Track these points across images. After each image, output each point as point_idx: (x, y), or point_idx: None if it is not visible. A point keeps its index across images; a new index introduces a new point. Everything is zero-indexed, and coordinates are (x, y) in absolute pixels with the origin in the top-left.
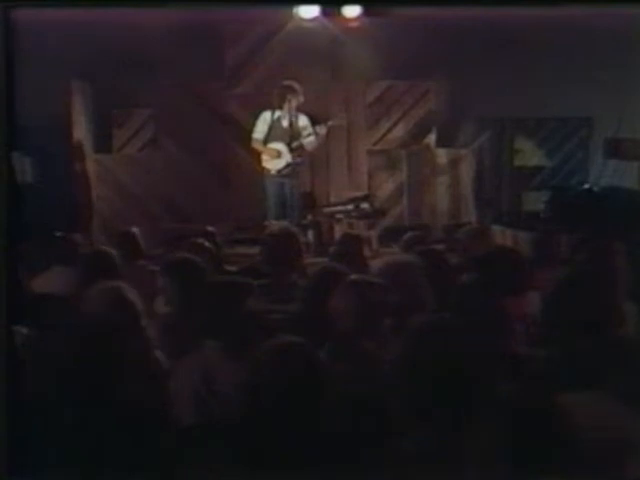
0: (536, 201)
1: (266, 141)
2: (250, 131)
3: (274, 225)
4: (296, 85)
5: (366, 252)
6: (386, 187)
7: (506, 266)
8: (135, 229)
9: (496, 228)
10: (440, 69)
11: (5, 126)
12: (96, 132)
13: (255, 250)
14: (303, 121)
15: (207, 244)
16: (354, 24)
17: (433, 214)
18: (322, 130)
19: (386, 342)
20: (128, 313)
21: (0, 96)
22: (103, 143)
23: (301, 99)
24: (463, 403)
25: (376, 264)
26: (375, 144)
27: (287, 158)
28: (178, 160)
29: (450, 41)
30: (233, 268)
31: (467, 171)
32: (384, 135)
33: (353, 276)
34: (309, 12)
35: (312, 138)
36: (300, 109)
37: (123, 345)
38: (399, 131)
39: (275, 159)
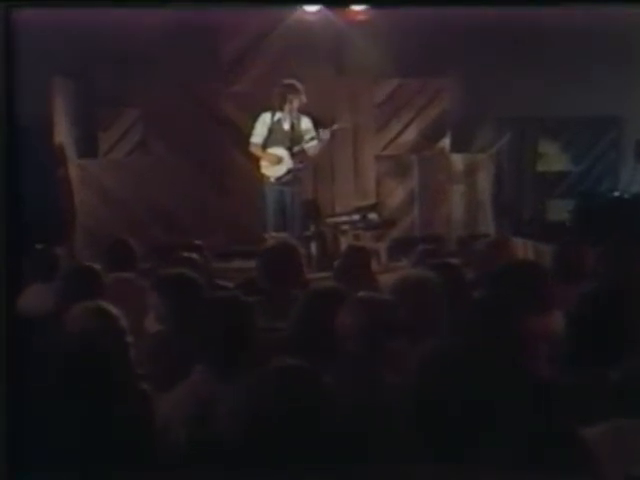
0: (561, 210)
1: (265, 145)
2: (248, 134)
3: (273, 237)
4: (298, 84)
5: (374, 266)
6: (396, 195)
7: (528, 282)
8: (129, 238)
9: (517, 240)
10: (455, 65)
11: (5, 126)
12: (79, 134)
13: (252, 264)
14: (306, 123)
15: (200, 257)
16: (361, 17)
17: (447, 225)
18: (326, 134)
19: (397, 366)
20: (113, 335)
21: (0, 96)
22: (87, 146)
23: (303, 99)
24: (480, 431)
25: (386, 280)
26: (384, 148)
27: (288, 164)
28: (169, 166)
29: (466, 35)
30: (228, 284)
31: (485, 177)
32: (394, 139)
33: (360, 293)
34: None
35: (315, 142)
36: (302, 110)
37: (107, 371)
38: (410, 134)
39: (275, 165)
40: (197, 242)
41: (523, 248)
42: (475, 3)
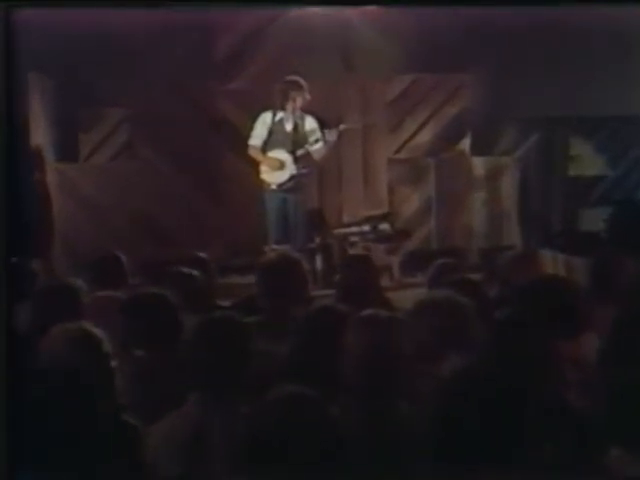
0: (596, 219)
1: (266, 148)
2: (246, 136)
3: (274, 250)
4: (301, 80)
5: (385, 282)
6: (410, 203)
7: (558, 301)
8: (119, 254)
9: (546, 253)
10: (477, 59)
11: (5, 126)
12: (58, 136)
13: (250, 280)
14: (310, 124)
15: (194, 273)
16: (370, 6)
17: (468, 236)
18: (333, 135)
19: (411, 394)
20: (96, 360)
21: (0, 96)
22: (67, 150)
23: (307, 97)
24: (503, 462)
25: (399, 298)
26: (397, 151)
27: (291, 169)
28: (158, 171)
29: (489, 25)
30: (224, 302)
31: (510, 183)
32: (408, 140)
33: (366, 311)
34: None
35: (321, 144)
36: (306, 109)
37: (90, 401)
38: (426, 135)
39: (276, 170)
40: (190, 256)
41: (553, 262)
42: (475, 3)
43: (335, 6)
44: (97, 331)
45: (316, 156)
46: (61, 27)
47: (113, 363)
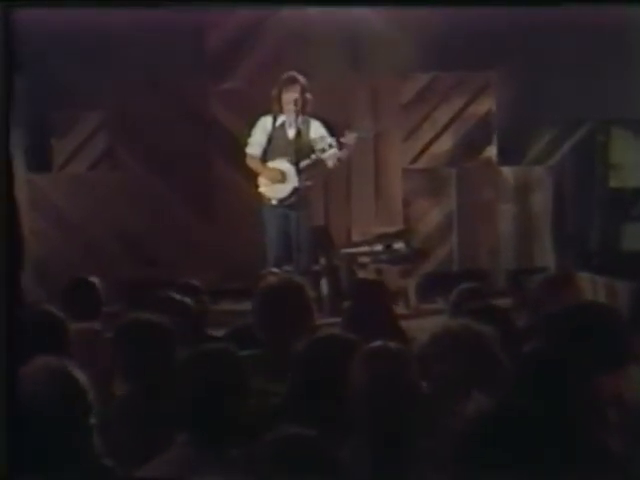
0: None
1: (265, 158)
2: (243, 144)
3: (274, 273)
4: (299, 76)
5: (400, 309)
6: (429, 219)
7: (597, 330)
8: (94, 278)
9: (584, 275)
10: (505, 54)
11: (5, 127)
12: (29, 143)
13: (247, 307)
14: (316, 130)
15: (183, 299)
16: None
17: (494, 256)
18: (351, 139)
19: (427, 438)
20: (72, 400)
21: (1, 96)
22: (39, 158)
23: (308, 97)
24: None
25: (416, 327)
26: (413, 160)
27: (293, 181)
28: (142, 183)
29: (520, 17)
30: (216, 332)
31: (543, 196)
32: (425, 148)
33: (376, 343)
34: None
35: (328, 154)
36: (312, 113)
37: (66, 445)
38: (447, 142)
39: (277, 183)
40: (177, 280)
41: (592, 286)
42: (475, 3)
43: (335, 6)
44: (72, 367)
45: (330, 163)
46: (35, 25)
47: (91, 402)
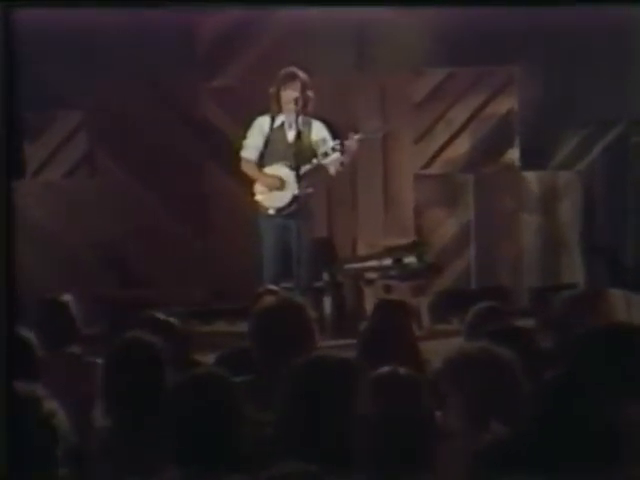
0: None
1: (262, 162)
2: (237, 147)
3: (271, 290)
4: (299, 72)
5: (412, 330)
6: (444, 231)
7: (631, 353)
8: (67, 297)
9: (617, 292)
10: (529, 47)
11: (5, 127)
12: None
13: (242, 328)
14: (318, 132)
15: (170, 319)
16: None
17: (517, 272)
18: (353, 143)
19: (441, 473)
20: (49, 434)
21: (1, 97)
22: (10, 163)
23: (310, 95)
24: None
25: (427, 350)
26: (426, 165)
27: (293, 189)
28: (126, 191)
29: (546, 8)
30: (208, 356)
31: (571, 204)
32: (440, 151)
33: (385, 369)
34: None
35: (332, 158)
36: (313, 114)
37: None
38: (463, 144)
39: (275, 190)
40: (165, 298)
41: (625, 304)
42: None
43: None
44: (45, 395)
45: (332, 169)
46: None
47: (72, 437)
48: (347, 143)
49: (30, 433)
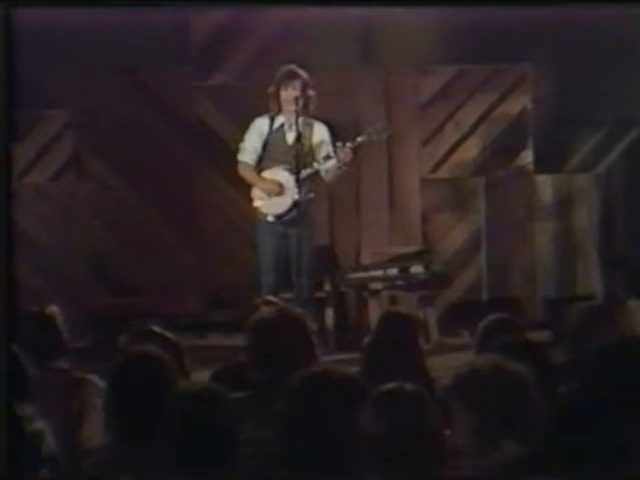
0: None
1: (260, 166)
2: (234, 149)
3: (270, 301)
4: (299, 70)
5: (420, 344)
6: (453, 238)
7: None
8: (53, 308)
9: (636, 304)
10: (543, 43)
11: (5, 127)
12: None
13: (238, 341)
14: (319, 133)
15: (163, 332)
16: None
17: (530, 282)
18: (348, 150)
19: None
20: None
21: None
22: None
23: (311, 93)
24: None
25: (436, 366)
26: (434, 169)
27: (293, 194)
28: (115, 195)
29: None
30: (202, 371)
31: (588, 210)
32: (448, 154)
33: (390, 385)
34: None
35: (334, 161)
36: (314, 114)
37: None
38: (473, 147)
39: (274, 196)
40: (157, 309)
41: None
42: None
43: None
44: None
45: (327, 178)
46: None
47: (60, 459)
48: (341, 152)
49: (20, 452)
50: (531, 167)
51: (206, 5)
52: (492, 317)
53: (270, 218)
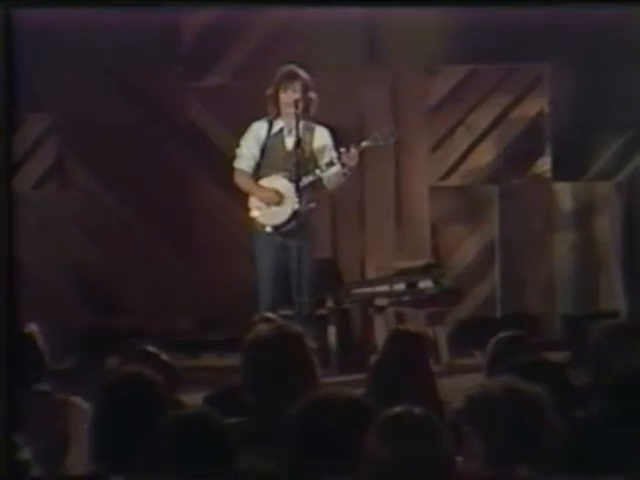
0: None
1: (258, 174)
2: (230, 156)
3: (267, 319)
4: (299, 71)
5: (430, 365)
6: (464, 251)
7: None
8: (33, 327)
9: None
10: (560, 41)
11: (5, 126)
12: None
13: (233, 362)
14: (321, 138)
15: (154, 351)
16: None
17: (547, 297)
18: (353, 156)
19: None
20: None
21: (1, 96)
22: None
23: (312, 96)
24: None
25: (446, 388)
26: (444, 176)
27: (293, 203)
28: (101, 205)
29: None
30: (195, 395)
31: (610, 220)
32: (460, 160)
33: (397, 409)
34: None
35: (337, 168)
36: (315, 118)
37: None
38: (487, 153)
39: (273, 205)
40: (146, 328)
41: None
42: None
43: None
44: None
45: (330, 185)
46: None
47: None
48: (345, 156)
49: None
50: (549, 174)
51: (204, 5)
52: (503, 335)
53: (268, 229)
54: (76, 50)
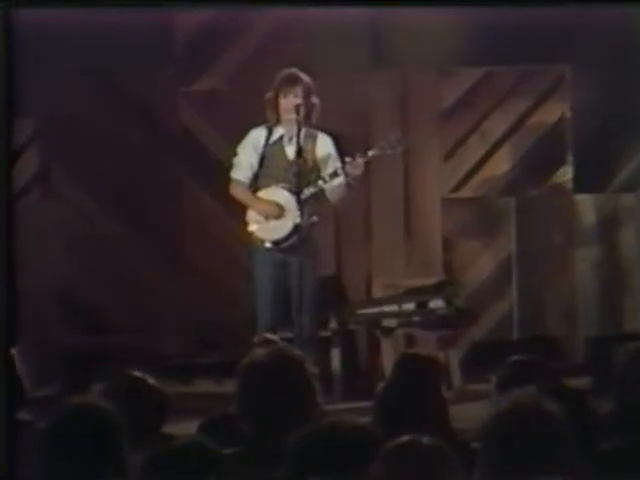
0: None
1: (257, 185)
2: (227, 166)
3: (266, 340)
4: (301, 74)
5: (441, 391)
6: (478, 267)
7: None
8: (13, 350)
9: None
10: (582, 41)
11: (5, 126)
12: None
13: (229, 388)
14: (324, 146)
15: (143, 376)
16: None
17: (568, 318)
18: (359, 166)
19: None
20: None
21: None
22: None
23: (314, 101)
24: None
25: (460, 415)
26: (457, 187)
27: (294, 217)
28: (88, 218)
29: None
30: (189, 423)
31: (635, 234)
32: (474, 170)
33: (405, 438)
34: None
35: (341, 179)
36: (318, 124)
37: None
38: (503, 162)
39: (272, 219)
40: (136, 350)
41: None
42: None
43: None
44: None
45: (333, 197)
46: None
47: None
48: (350, 166)
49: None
50: (570, 185)
51: (200, 4)
52: (518, 358)
53: (267, 244)
54: (62, 52)
